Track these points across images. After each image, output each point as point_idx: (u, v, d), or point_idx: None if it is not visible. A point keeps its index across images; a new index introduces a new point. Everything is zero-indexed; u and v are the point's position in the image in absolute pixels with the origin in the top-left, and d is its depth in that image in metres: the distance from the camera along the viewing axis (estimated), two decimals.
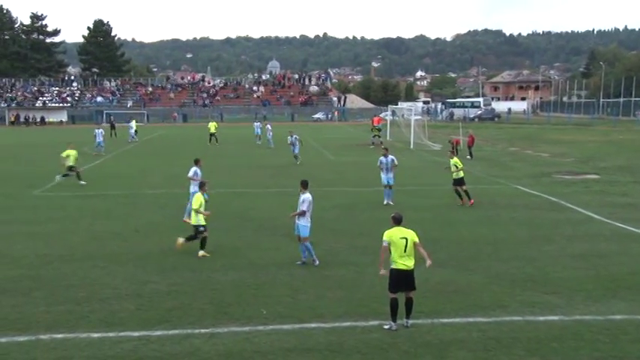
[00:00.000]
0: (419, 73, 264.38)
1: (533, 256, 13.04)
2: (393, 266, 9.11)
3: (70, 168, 23.87)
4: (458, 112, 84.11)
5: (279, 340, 8.76)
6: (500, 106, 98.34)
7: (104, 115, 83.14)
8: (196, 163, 16.95)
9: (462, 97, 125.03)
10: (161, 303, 10.20)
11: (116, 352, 8.33)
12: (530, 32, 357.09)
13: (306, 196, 12.32)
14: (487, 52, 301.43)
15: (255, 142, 43.36)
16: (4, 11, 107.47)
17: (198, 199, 13.20)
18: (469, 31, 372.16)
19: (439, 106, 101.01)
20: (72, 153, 23.87)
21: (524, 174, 26.61)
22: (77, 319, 9.49)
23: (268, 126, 42.17)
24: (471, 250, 13.70)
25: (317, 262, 12.36)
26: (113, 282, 11.32)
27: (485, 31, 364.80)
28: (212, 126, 44.38)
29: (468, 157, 33.20)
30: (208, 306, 10.07)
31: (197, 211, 13.10)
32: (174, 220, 16.81)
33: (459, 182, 19.06)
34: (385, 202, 19.08)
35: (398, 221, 9.27)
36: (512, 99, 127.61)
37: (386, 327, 9.09)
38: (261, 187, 22.48)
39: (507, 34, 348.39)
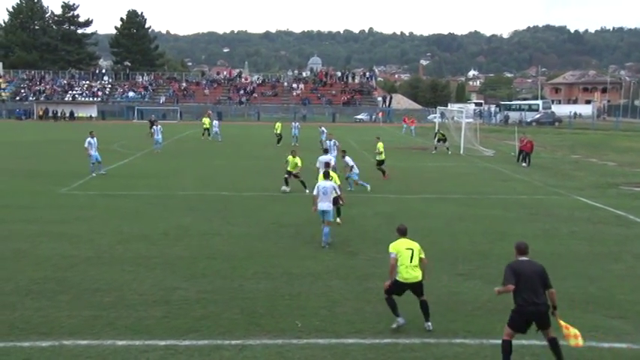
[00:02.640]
0: (471, 73, 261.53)
1: (595, 275, 12.72)
2: (398, 277, 9.50)
3: None
4: (513, 116, 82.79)
5: (313, 355, 8.76)
6: (562, 110, 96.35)
7: (135, 111, 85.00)
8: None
9: (519, 99, 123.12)
10: (190, 311, 10.34)
11: None
12: (599, 28, 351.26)
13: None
14: (548, 51, 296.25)
15: (292, 143, 43.54)
16: (35, 0, 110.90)
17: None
18: (529, 27, 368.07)
19: (493, 108, 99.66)
20: None
21: (587, 184, 26.02)
22: (102, 325, 9.70)
23: (323, 128, 42.19)
24: None
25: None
26: (140, 287, 11.53)
27: (547, 27, 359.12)
28: (278, 126, 45.05)
29: (524, 164, 32.65)
30: (239, 316, 10.16)
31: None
32: (205, 224, 17.05)
33: (380, 163, 26.56)
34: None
35: (403, 233, 9.79)
36: (575, 102, 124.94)
37: (394, 326, 9.46)
38: (298, 190, 22.58)
39: (572, 30, 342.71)
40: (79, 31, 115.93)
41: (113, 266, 12.88)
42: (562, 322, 8.17)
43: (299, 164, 22.84)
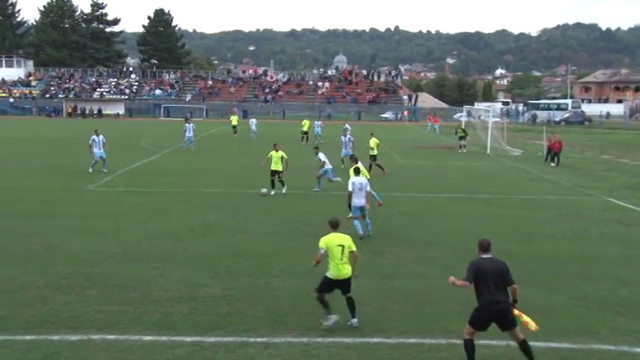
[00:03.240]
0: (499, 71, 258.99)
1: (627, 278, 12.49)
2: (329, 274, 9.50)
3: None
4: (541, 115, 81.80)
5: (338, 354, 8.75)
6: (592, 109, 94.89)
7: (162, 109, 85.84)
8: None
9: (547, 99, 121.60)
10: (215, 308, 10.40)
11: (168, 358, 8.55)
12: (632, 26, 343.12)
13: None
14: (579, 49, 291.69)
15: (316, 141, 43.52)
16: None
17: None
18: (558, 25, 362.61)
19: (520, 107, 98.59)
20: None
21: (619, 185, 25.58)
22: (129, 320, 9.80)
23: (347, 126, 42.01)
24: (553, 267, 13.26)
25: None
26: (167, 283, 11.63)
27: (578, 25, 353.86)
28: (306, 123, 44.85)
29: (552, 164, 32.24)
30: (264, 314, 10.19)
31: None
32: (231, 221, 17.14)
33: (374, 158, 27.27)
34: None
35: (335, 226, 9.80)
36: (606, 101, 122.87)
37: (328, 323, 9.42)
38: (323, 189, 22.57)
39: (604, 28, 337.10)
40: (108, 29, 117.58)
41: (139, 262, 13.01)
42: (516, 312, 8.22)
43: (285, 157, 21.50)
